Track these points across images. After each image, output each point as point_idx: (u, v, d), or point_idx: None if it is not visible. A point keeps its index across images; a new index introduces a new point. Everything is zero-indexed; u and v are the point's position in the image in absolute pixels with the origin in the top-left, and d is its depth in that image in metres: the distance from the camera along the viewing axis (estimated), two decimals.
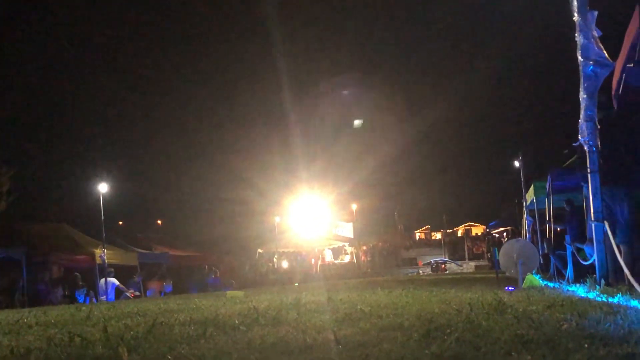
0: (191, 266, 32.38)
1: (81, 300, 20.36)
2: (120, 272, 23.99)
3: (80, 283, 21.81)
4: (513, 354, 2.56)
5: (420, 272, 42.96)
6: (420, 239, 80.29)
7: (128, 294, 22.48)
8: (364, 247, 47.81)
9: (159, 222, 62.44)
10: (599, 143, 8.79)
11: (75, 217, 30.72)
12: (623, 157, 9.75)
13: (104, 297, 21.31)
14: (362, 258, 45.12)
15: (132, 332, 4.31)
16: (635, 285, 5.77)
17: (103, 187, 25.39)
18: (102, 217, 24.26)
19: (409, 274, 38.46)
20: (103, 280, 22.08)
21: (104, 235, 23.63)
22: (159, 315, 6.14)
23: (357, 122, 59.32)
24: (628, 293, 5.91)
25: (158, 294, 24.36)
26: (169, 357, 2.96)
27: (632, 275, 6.45)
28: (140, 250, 27.97)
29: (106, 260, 22.68)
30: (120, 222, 49.05)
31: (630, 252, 8.52)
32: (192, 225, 55.08)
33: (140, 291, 24.19)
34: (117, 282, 22.57)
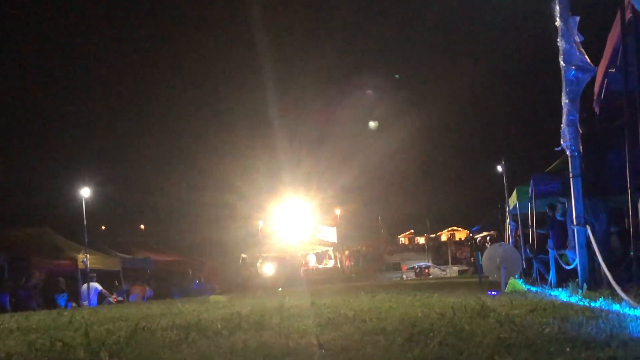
0: (174, 271, 32.25)
1: (62, 305, 20.22)
2: (103, 277, 23.86)
3: (63, 288, 21.67)
4: (496, 357, 2.56)
5: (404, 276, 43.00)
6: (403, 243, 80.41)
7: (111, 299, 22.38)
8: (347, 252, 47.79)
9: (142, 226, 62.11)
10: (580, 148, 8.83)
11: (57, 221, 30.48)
12: (601, 168, 9.84)
13: (86, 302, 21.18)
14: (346, 263, 45.08)
15: (114, 337, 4.28)
16: (617, 289, 5.80)
17: (86, 192, 25.26)
18: (85, 222, 24.13)
19: (393, 279, 38.47)
20: (85, 285, 21.96)
21: (86, 240, 23.48)
22: (141, 320, 6.10)
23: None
24: (610, 297, 5.94)
25: (141, 299, 24.24)
26: None
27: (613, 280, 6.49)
28: (123, 255, 27.81)
29: (89, 265, 22.55)
30: (103, 227, 48.79)
31: (608, 260, 8.57)
32: (175, 229, 54.89)
33: (123, 296, 24.08)
34: (99, 287, 22.45)
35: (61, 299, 21.09)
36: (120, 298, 23.42)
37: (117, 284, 24.59)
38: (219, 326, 4.71)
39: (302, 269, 39.33)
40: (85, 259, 22.51)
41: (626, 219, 8.59)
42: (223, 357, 3.07)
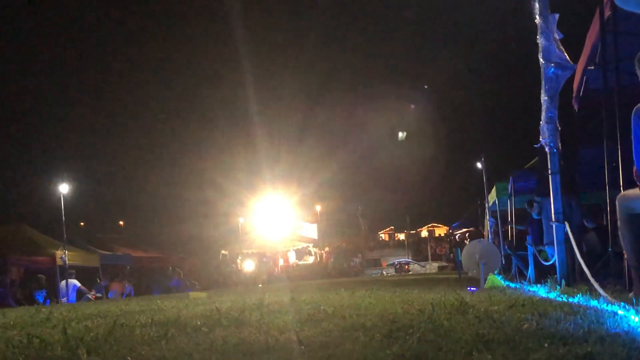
0: (154, 267, 32.16)
1: (41, 301, 20.11)
2: (82, 273, 23.73)
3: (42, 285, 21.57)
4: (474, 353, 2.57)
5: (384, 272, 43.09)
6: (384, 240, 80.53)
7: (89, 296, 22.27)
8: (327, 248, 47.86)
9: (121, 223, 61.89)
10: (559, 144, 8.89)
11: (35, 218, 30.34)
12: (576, 167, 9.92)
13: (64, 299, 21.07)
14: (325, 259, 45.14)
15: (92, 334, 4.25)
16: (595, 285, 5.84)
17: (64, 188, 25.11)
18: (63, 218, 23.99)
19: (373, 275, 38.53)
20: (64, 282, 21.85)
21: (65, 236, 23.35)
22: (120, 316, 6.08)
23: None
24: (588, 293, 5.98)
25: (120, 296, 24.14)
26: (129, 358, 2.93)
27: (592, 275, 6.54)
28: (102, 251, 27.68)
29: (67, 262, 22.42)
30: (82, 223, 48.56)
31: (587, 256, 8.64)
32: (155, 226, 54.76)
33: (102, 293, 23.98)
34: (78, 284, 22.34)
35: (40, 296, 20.99)
36: (99, 295, 23.31)
37: (98, 280, 24.48)
38: (198, 323, 4.69)
39: (279, 265, 39.31)
40: (63, 256, 22.37)
41: (604, 216, 8.66)
42: (202, 353, 3.05)
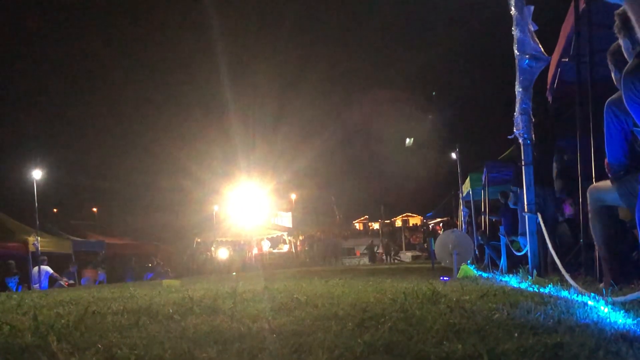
0: (127, 255, 32.03)
1: (13, 288, 19.97)
2: (54, 260, 23.60)
3: (14, 271, 21.45)
4: (444, 342, 2.58)
5: (359, 262, 43.27)
6: (358, 229, 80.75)
7: (62, 283, 22.14)
8: (301, 237, 47.93)
9: (94, 209, 61.49)
10: (533, 136, 8.95)
11: (8, 203, 30.05)
12: (551, 158, 10.00)
13: (36, 285, 20.94)
14: (299, 247, 45.20)
15: (63, 321, 4.22)
16: (566, 276, 5.90)
17: (37, 174, 25.02)
18: (36, 204, 23.85)
19: (347, 264, 38.62)
20: (36, 268, 21.71)
21: (37, 222, 23.22)
22: (91, 303, 6.03)
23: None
24: (559, 284, 6.04)
25: (93, 283, 24.03)
26: (100, 345, 2.90)
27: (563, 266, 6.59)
28: (74, 238, 27.52)
29: (39, 248, 22.30)
30: (55, 210, 48.19)
31: (558, 247, 8.70)
32: (129, 213, 54.65)
33: (74, 280, 23.85)
34: (50, 270, 22.21)
35: (12, 282, 20.84)
36: (71, 281, 23.18)
37: (70, 267, 24.34)
38: (171, 310, 4.67)
39: (254, 254, 39.29)
40: (36, 242, 22.27)
41: (576, 206, 8.73)
42: (173, 341, 3.04)
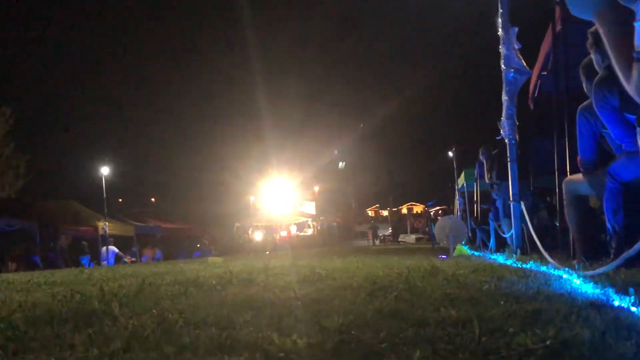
0: (180, 237, 32.21)
1: (86, 265, 20.19)
2: (120, 241, 23.87)
3: (87, 250, 21.75)
4: (441, 309, 2.56)
5: (371, 243, 43.33)
6: (370, 215, 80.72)
7: (126, 260, 22.36)
8: (322, 218, 48.06)
9: (153, 199, 62.08)
10: (517, 137, 8.89)
11: (82, 195, 30.32)
12: (529, 156, 9.96)
13: (105, 262, 21.15)
14: (316, 230, 45.36)
15: (124, 291, 4.24)
16: (545, 254, 5.84)
17: (105, 170, 25.52)
18: (105, 195, 24.18)
19: (361, 245, 38.59)
20: (105, 248, 21.97)
21: (105, 210, 23.52)
22: (148, 277, 6.05)
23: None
24: (539, 261, 5.98)
25: (151, 260, 24.20)
26: (154, 311, 2.90)
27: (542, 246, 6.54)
28: (136, 223, 27.72)
29: (107, 232, 22.55)
30: (120, 199, 48.57)
31: (538, 230, 8.64)
32: (181, 202, 55.00)
33: (136, 257, 24.07)
34: (116, 250, 22.48)
35: (85, 260, 21.12)
36: (133, 259, 23.40)
37: (132, 247, 24.61)
38: (214, 282, 4.68)
39: (284, 237, 39.40)
40: (104, 226, 22.55)
41: (554, 196, 8.65)
42: (215, 307, 3.04)
